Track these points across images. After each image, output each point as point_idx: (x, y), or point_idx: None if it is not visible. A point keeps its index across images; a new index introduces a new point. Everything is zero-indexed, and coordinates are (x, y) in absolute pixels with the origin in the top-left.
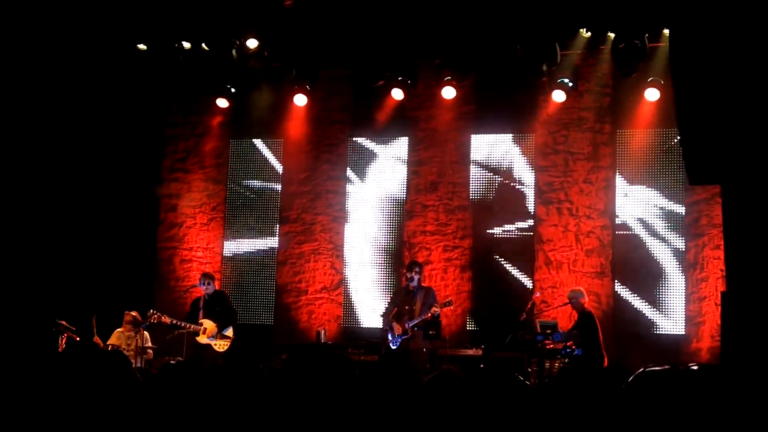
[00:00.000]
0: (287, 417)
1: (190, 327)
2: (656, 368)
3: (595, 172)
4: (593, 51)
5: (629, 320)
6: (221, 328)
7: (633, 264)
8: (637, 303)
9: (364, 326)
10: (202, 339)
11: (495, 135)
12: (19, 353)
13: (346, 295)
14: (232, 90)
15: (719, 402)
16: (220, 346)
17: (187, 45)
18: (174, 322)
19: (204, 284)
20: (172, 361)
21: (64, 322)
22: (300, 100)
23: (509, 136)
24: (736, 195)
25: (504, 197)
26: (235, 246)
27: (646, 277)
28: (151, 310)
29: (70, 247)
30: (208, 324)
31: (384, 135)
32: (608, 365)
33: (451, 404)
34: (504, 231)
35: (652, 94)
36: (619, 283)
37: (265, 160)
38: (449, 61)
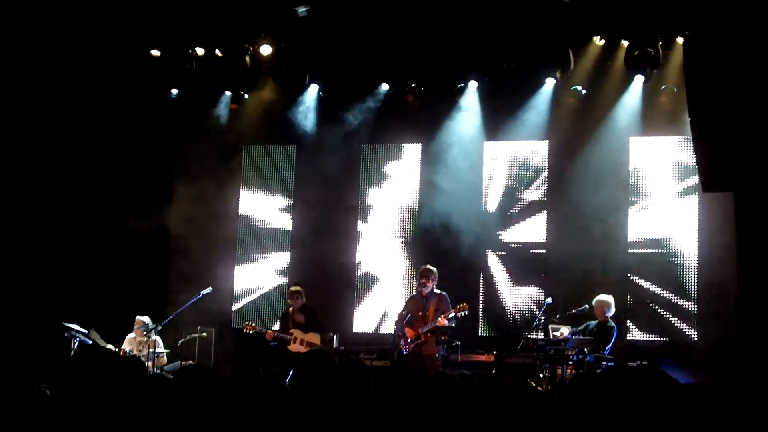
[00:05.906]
0: (302, 422)
1: (285, 337)
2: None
3: (609, 179)
4: (607, 58)
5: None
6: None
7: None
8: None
9: (375, 332)
10: (294, 347)
11: (508, 141)
12: (31, 357)
13: (358, 300)
14: (245, 96)
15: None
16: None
17: (200, 51)
18: (276, 335)
19: (294, 299)
20: (185, 365)
21: (76, 326)
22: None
23: (522, 143)
24: (749, 202)
25: (517, 204)
26: (247, 251)
27: (659, 280)
28: (250, 323)
29: (83, 252)
30: (299, 334)
31: (397, 141)
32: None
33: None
34: (517, 237)
35: (665, 102)
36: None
37: (279, 165)
38: (463, 67)
